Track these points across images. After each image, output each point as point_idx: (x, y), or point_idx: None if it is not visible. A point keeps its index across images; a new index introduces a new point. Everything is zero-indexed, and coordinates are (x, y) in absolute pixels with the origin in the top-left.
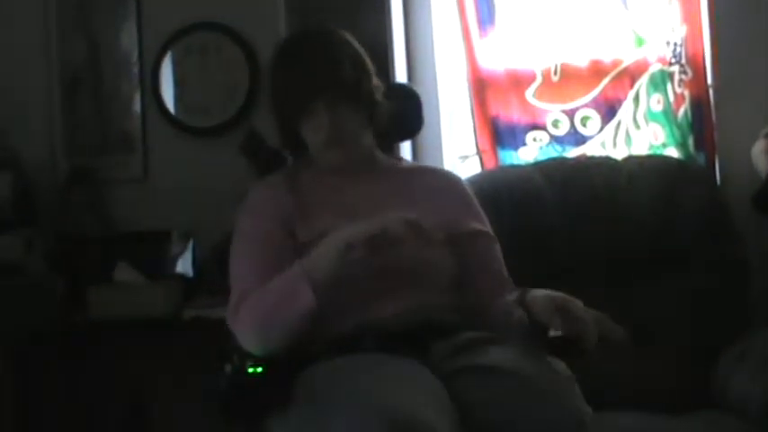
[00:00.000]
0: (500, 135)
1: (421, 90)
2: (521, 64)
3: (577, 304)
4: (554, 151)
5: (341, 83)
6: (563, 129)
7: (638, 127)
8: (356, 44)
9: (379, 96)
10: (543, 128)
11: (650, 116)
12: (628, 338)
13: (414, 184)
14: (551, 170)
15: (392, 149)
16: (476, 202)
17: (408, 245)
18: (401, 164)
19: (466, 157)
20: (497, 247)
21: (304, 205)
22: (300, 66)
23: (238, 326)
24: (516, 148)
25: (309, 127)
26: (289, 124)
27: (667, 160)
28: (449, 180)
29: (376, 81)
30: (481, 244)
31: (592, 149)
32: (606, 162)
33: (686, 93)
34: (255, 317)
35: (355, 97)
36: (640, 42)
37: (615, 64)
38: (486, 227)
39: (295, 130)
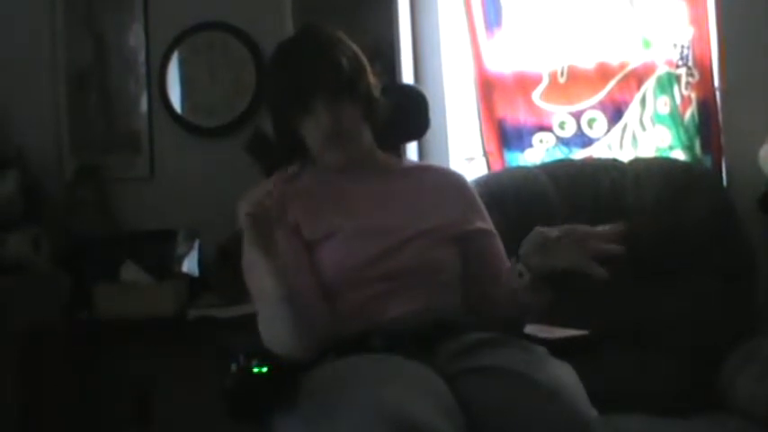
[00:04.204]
0: (506, 137)
1: (427, 91)
2: (527, 66)
3: (554, 234)
4: (560, 153)
5: (339, 81)
6: (569, 130)
7: (644, 129)
8: (351, 42)
9: (376, 93)
10: (550, 130)
11: (657, 118)
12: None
13: (415, 183)
14: (558, 172)
15: (398, 150)
16: (478, 198)
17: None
18: (402, 163)
19: (472, 158)
20: (500, 244)
21: (306, 206)
22: (299, 65)
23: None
24: (523, 149)
25: (309, 126)
26: (288, 125)
27: (674, 163)
28: (450, 178)
29: (373, 78)
30: (485, 242)
31: (598, 151)
32: (612, 164)
33: (693, 95)
34: (264, 333)
35: (354, 95)
36: (647, 45)
37: (622, 66)
38: (488, 224)
39: (294, 131)
